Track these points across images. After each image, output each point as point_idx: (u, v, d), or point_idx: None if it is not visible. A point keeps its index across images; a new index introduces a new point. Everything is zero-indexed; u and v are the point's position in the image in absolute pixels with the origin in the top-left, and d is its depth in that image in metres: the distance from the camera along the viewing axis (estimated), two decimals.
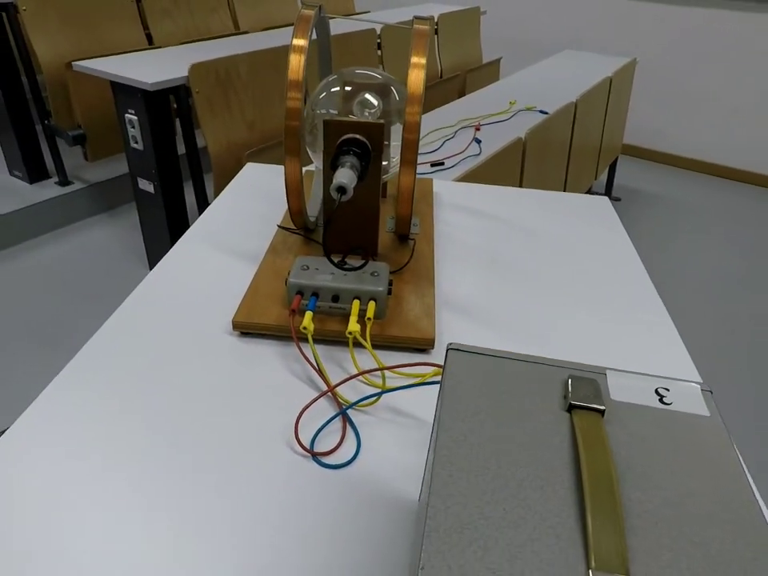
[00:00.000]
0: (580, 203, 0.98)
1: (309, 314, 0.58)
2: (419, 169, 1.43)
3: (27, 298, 2.02)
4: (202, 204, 1.79)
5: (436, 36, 2.69)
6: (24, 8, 1.93)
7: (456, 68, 2.79)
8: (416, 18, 0.67)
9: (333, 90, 0.75)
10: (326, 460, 0.48)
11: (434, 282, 0.70)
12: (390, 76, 0.76)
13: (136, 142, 1.67)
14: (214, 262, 0.74)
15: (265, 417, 0.52)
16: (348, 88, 0.76)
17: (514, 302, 0.70)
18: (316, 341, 0.60)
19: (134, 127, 1.64)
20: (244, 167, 1.03)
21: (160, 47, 2.07)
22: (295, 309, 0.59)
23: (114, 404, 0.53)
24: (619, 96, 2.55)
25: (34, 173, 2.35)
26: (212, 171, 1.65)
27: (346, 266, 0.60)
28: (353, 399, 0.54)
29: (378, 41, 2.33)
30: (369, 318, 0.58)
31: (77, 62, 1.66)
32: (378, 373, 0.58)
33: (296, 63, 0.62)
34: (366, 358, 0.59)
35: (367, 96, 0.73)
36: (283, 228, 0.78)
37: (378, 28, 2.37)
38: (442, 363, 0.48)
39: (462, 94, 2.46)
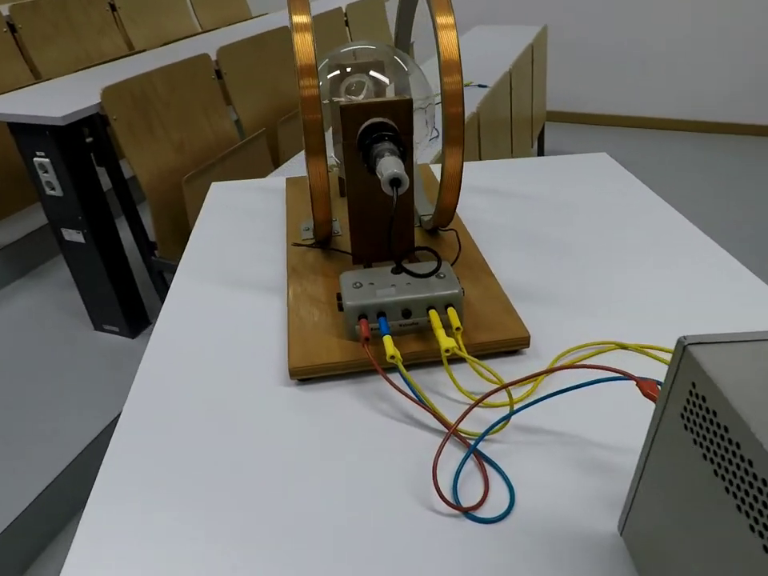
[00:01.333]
0: (583, 163, 0.92)
1: (388, 339, 0.47)
2: None
3: None
4: (143, 242, 1.61)
5: (347, 27, 2.59)
6: None
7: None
8: None
9: (330, 75, 0.64)
10: (480, 513, 0.38)
11: (490, 270, 0.61)
12: (387, 46, 0.66)
13: (52, 188, 1.46)
14: (229, 300, 0.62)
15: (374, 477, 0.41)
16: (337, 71, 0.66)
17: (576, 278, 0.62)
18: (390, 370, 0.49)
19: (46, 171, 1.43)
20: (210, 188, 0.90)
21: (49, 79, 1.84)
22: (369, 336, 0.48)
23: (177, 504, 0.40)
24: (540, 64, 2.56)
25: None
26: (147, 203, 1.48)
27: (417, 273, 0.49)
28: (473, 429, 0.44)
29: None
30: (458, 328, 0.48)
31: None
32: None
33: (303, 44, 0.50)
34: (461, 376, 0.49)
35: (373, 74, 0.63)
36: (300, 245, 0.66)
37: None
38: (545, 366, 0.39)
39: None
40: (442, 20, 0.53)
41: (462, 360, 0.50)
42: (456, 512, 0.38)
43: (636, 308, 0.57)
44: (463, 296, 0.52)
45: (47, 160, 1.42)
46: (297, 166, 1.34)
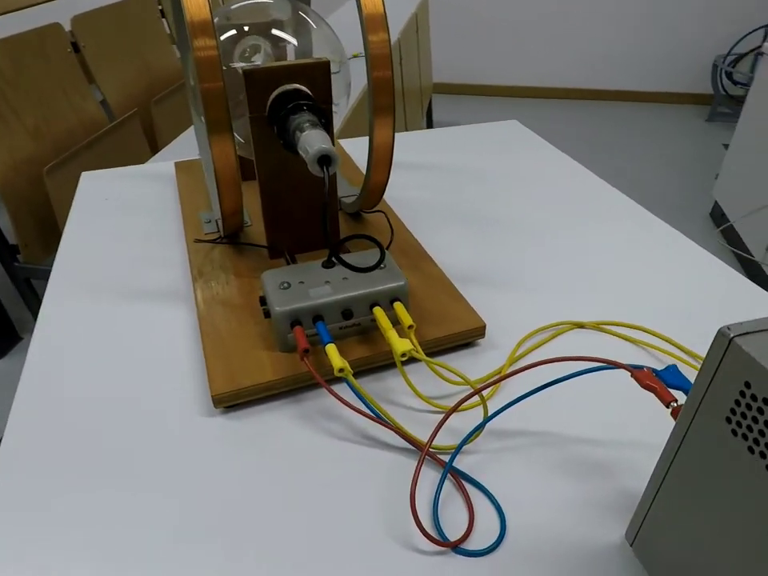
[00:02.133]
0: (495, 131, 0.89)
1: (333, 348, 0.39)
2: None
3: None
4: (2, 246, 1.38)
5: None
6: None
7: None
8: None
9: (225, 37, 0.54)
10: (469, 545, 0.32)
11: (428, 254, 0.54)
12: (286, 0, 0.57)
13: None
14: (120, 315, 0.50)
15: (337, 517, 0.34)
16: (233, 31, 0.56)
17: (515, 255, 0.58)
18: (333, 381, 0.42)
19: None
20: (81, 179, 0.76)
21: None
22: (307, 346, 0.40)
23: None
24: (424, 33, 2.52)
25: None
26: (1, 201, 1.26)
27: (359, 267, 0.42)
28: (440, 441, 0.38)
29: (160, 7, 1.98)
30: (411, 326, 0.41)
31: None
32: (448, 394, 0.42)
33: None
34: (415, 379, 0.43)
35: (276, 32, 0.54)
36: (203, 241, 0.55)
37: None
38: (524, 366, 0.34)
39: None
40: None
41: (412, 359, 0.44)
42: (442, 548, 0.32)
43: (581, 281, 0.54)
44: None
45: None
46: (180, 148, 1.19)
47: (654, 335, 0.47)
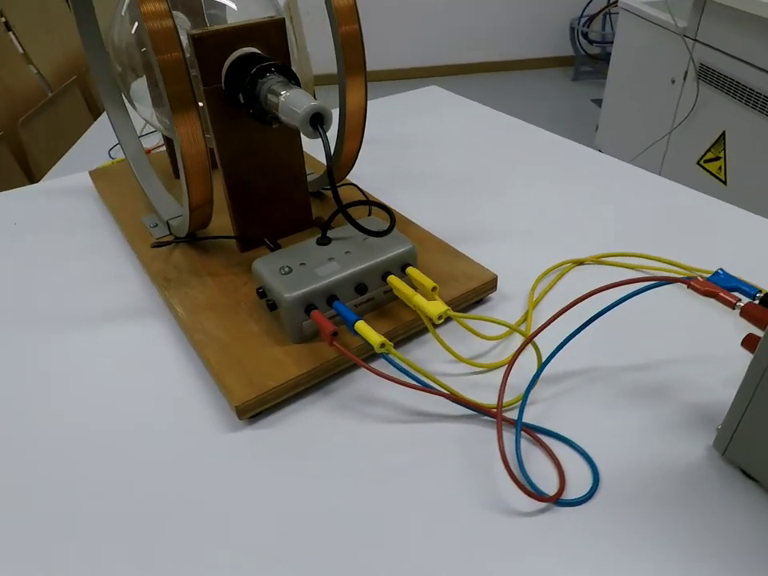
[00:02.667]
0: (421, 97, 0.87)
1: (363, 324, 0.35)
2: None
3: None
4: None
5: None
6: None
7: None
8: None
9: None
10: (569, 495, 0.30)
11: (414, 222, 0.52)
12: None
13: None
14: (89, 345, 0.43)
15: (420, 501, 0.30)
16: None
17: (490, 210, 0.57)
18: (367, 358, 0.38)
19: None
20: None
21: None
22: (334, 328, 0.35)
23: None
24: (297, 26, 2.45)
25: None
26: None
27: (373, 231, 0.38)
28: (488, 400, 0.35)
29: (4, 20, 1.76)
30: (435, 288, 0.38)
31: None
32: (482, 352, 0.40)
33: None
34: (438, 345, 0.40)
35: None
36: (162, 244, 0.48)
37: None
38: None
39: None
40: None
41: (425, 330, 0.41)
42: (544, 504, 0.30)
43: (554, 223, 0.54)
44: None
45: None
46: (72, 164, 1.07)
47: (650, 258, 0.48)
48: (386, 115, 0.81)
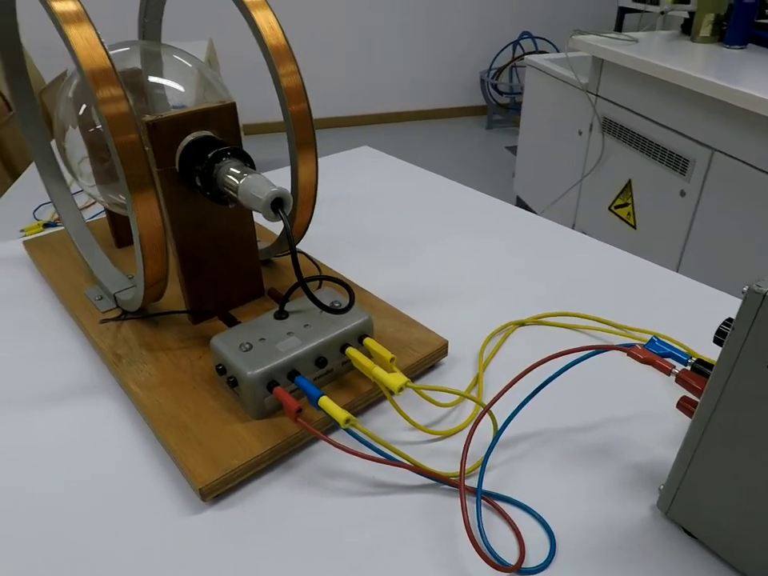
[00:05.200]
0: (352, 159, 0.90)
1: (328, 400, 0.36)
2: None
3: None
4: None
5: None
6: None
7: None
8: None
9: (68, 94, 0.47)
10: (528, 563, 0.32)
11: (362, 287, 0.54)
12: (137, 42, 0.52)
13: None
14: (35, 427, 0.41)
15: (384, 573, 0.31)
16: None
17: (426, 272, 0.60)
18: (327, 430, 0.39)
19: None
20: None
21: None
22: (298, 405, 0.36)
23: None
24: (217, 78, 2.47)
25: None
26: None
27: (332, 307, 0.39)
28: (447, 467, 0.37)
29: None
30: (393, 359, 0.40)
31: None
32: (437, 419, 0.41)
33: (84, 42, 0.35)
34: (395, 413, 0.42)
35: (154, 80, 0.49)
36: (111, 320, 0.48)
37: None
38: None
39: None
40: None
41: (383, 398, 0.43)
42: (506, 574, 0.32)
43: (486, 280, 0.57)
44: None
45: None
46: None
47: (586, 318, 0.52)
48: (322, 176, 0.83)
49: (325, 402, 0.36)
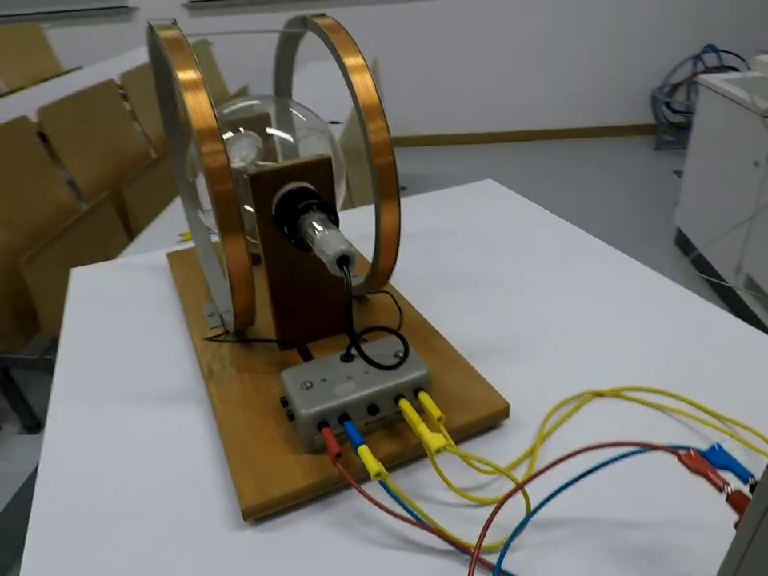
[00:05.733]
0: (473, 192, 0.91)
1: (366, 450, 0.39)
2: None
3: None
4: None
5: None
6: None
7: None
8: (312, 16, 0.50)
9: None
10: None
11: (438, 331, 0.55)
12: (269, 96, 0.58)
13: None
14: (132, 420, 0.49)
15: None
16: (228, 134, 0.57)
17: (519, 319, 0.59)
18: (361, 481, 0.41)
19: None
20: (71, 275, 0.74)
21: None
22: (339, 450, 0.39)
23: None
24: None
25: None
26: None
27: (386, 366, 0.41)
28: (470, 535, 0.37)
29: (122, 91, 2.01)
30: (440, 418, 0.41)
31: None
32: (483, 483, 0.41)
33: (198, 106, 0.41)
34: (445, 470, 0.42)
35: (271, 131, 0.55)
36: (213, 339, 0.54)
37: (117, 77, 2.04)
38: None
39: None
40: (350, 61, 0.47)
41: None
42: None
43: (584, 339, 0.55)
44: None
45: None
46: (159, 234, 1.19)
47: (675, 398, 0.48)
48: (438, 210, 0.85)
49: (363, 451, 0.38)
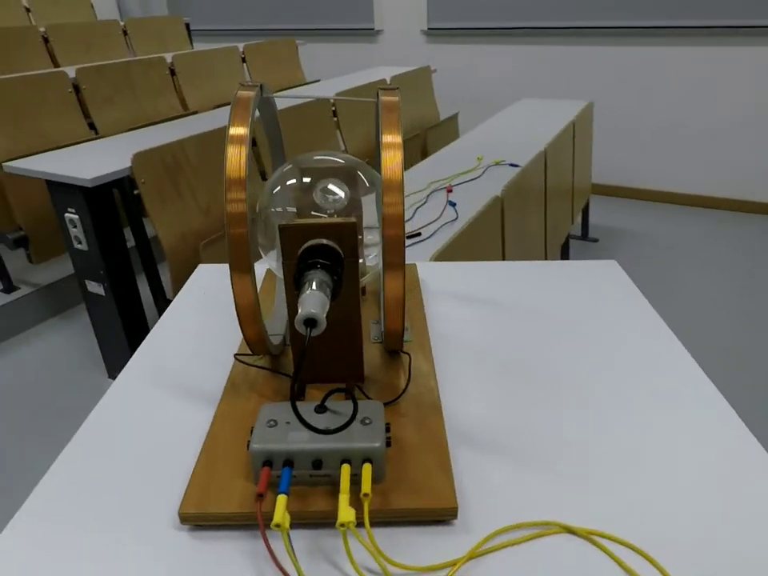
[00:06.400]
0: (587, 272, 0.85)
1: (282, 501, 0.41)
2: None
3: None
4: (160, 300, 1.63)
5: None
6: None
7: (415, 128, 2.74)
8: (382, 89, 0.54)
9: (289, 182, 0.61)
10: None
11: (441, 408, 0.54)
12: (354, 159, 0.63)
13: (80, 243, 1.51)
14: (160, 410, 0.58)
15: None
16: (306, 179, 0.63)
17: (537, 418, 0.55)
18: (297, 525, 0.44)
19: (75, 227, 1.48)
20: (196, 270, 0.88)
21: (104, 137, 1.95)
22: (263, 491, 0.42)
23: None
24: (583, 139, 2.51)
25: None
26: (167, 264, 1.50)
27: (324, 430, 0.44)
28: None
29: (333, 108, 2.26)
30: (366, 495, 0.42)
31: (7, 163, 1.52)
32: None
33: (236, 157, 0.48)
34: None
35: (331, 186, 0.60)
36: (241, 360, 0.62)
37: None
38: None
39: (425, 155, 2.39)
40: (388, 138, 0.49)
41: (381, 524, 0.44)
42: None
43: (611, 476, 0.49)
44: (387, 446, 0.47)
45: (76, 216, 1.48)
46: None
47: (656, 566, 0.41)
48: (536, 281, 0.82)
49: (280, 499, 0.41)
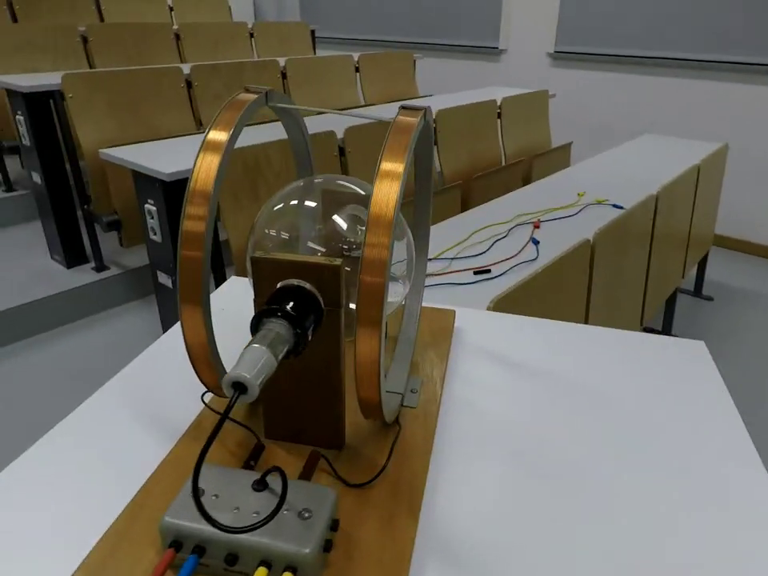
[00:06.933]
0: (667, 350, 0.70)
1: None
2: (457, 278, 1.19)
3: (61, 385, 1.89)
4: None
5: (498, 119, 2.52)
6: (70, 95, 1.93)
7: (521, 153, 2.59)
8: (403, 107, 0.45)
9: (293, 202, 0.54)
10: None
11: (419, 504, 0.44)
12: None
13: (155, 234, 1.55)
14: (122, 438, 0.52)
15: None
16: (311, 203, 0.55)
17: (558, 540, 0.43)
18: None
19: (152, 218, 1.52)
20: (226, 282, 0.84)
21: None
22: (161, 574, 0.34)
23: None
24: (709, 185, 2.23)
25: (72, 258, 2.30)
26: (234, 269, 1.49)
27: (226, 527, 0.34)
28: None
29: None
30: None
31: (104, 150, 1.59)
32: None
33: (206, 165, 0.41)
34: None
35: (356, 213, 0.51)
36: (207, 404, 0.54)
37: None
38: None
39: (527, 182, 2.24)
40: (387, 165, 0.40)
41: None
42: None
43: None
44: (326, 552, 0.37)
45: (154, 208, 1.51)
46: None
47: None
48: (607, 357, 0.68)
49: None
